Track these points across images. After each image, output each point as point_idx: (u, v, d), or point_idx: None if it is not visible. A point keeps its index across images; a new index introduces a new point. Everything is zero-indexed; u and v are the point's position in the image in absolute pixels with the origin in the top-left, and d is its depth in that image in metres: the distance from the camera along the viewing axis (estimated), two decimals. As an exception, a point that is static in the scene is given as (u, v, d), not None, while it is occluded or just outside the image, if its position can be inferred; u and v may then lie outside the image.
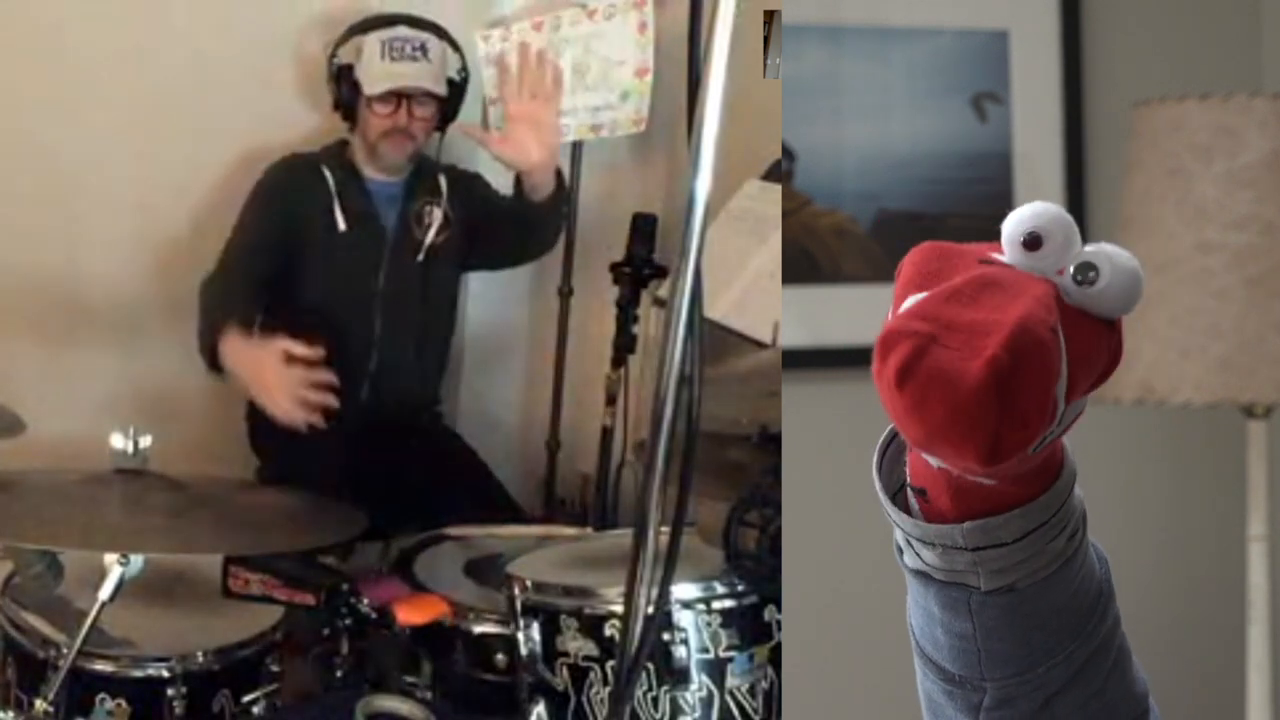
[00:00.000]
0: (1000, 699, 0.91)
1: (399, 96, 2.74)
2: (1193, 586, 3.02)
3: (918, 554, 0.89)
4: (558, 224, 2.92)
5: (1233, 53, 3.04)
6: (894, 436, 0.92)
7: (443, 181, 2.87)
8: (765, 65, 2.45)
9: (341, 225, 2.77)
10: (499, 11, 3.07)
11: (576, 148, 3.08)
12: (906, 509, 0.90)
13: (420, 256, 2.82)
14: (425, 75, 2.77)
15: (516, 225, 2.86)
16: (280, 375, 2.44)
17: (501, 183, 2.90)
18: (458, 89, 2.86)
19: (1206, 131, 2.51)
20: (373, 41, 2.77)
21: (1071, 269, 0.80)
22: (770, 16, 2.44)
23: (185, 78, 2.94)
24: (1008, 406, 0.75)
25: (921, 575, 0.90)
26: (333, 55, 2.80)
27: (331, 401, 2.44)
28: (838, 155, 2.83)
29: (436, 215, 2.84)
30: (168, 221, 3.00)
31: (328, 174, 2.78)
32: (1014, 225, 0.82)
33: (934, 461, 0.83)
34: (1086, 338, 0.80)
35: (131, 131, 2.94)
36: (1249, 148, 2.49)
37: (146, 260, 3.00)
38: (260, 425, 2.75)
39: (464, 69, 2.88)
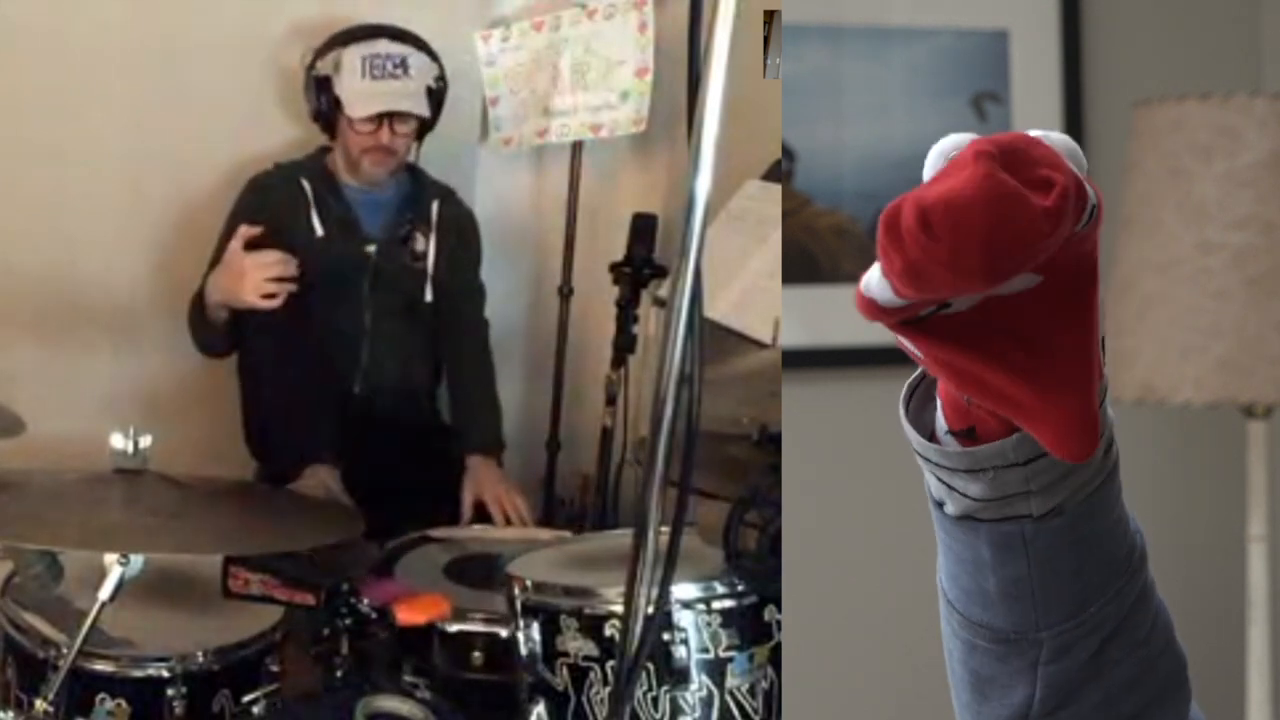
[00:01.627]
0: (1057, 648, 0.91)
1: (381, 116, 2.72)
2: (1193, 586, 3.02)
3: (963, 494, 0.89)
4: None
5: (1233, 53, 3.04)
6: (915, 388, 0.91)
7: (434, 209, 2.85)
8: (765, 65, 2.45)
9: (319, 230, 2.76)
10: (499, 11, 3.08)
11: (576, 148, 3.08)
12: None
13: (407, 272, 2.81)
14: (408, 96, 2.74)
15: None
16: (252, 273, 2.56)
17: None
18: (436, 97, 2.83)
19: (1206, 131, 2.51)
20: (352, 57, 2.73)
21: None
22: (770, 16, 2.44)
23: (184, 79, 2.94)
24: (1022, 179, 0.74)
25: (968, 522, 0.90)
26: (311, 67, 2.77)
27: (292, 273, 2.58)
28: (838, 155, 2.84)
29: (421, 244, 2.82)
30: (168, 222, 3.00)
31: (305, 184, 2.77)
32: (933, 163, 0.80)
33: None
34: None
35: (131, 132, 2.94)
36: (1249, 148, 2.49)
37: (146, 261, 3.00)
38: (256, 424, 2.74)
39: (442, 77, 2.83)
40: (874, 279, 0.78)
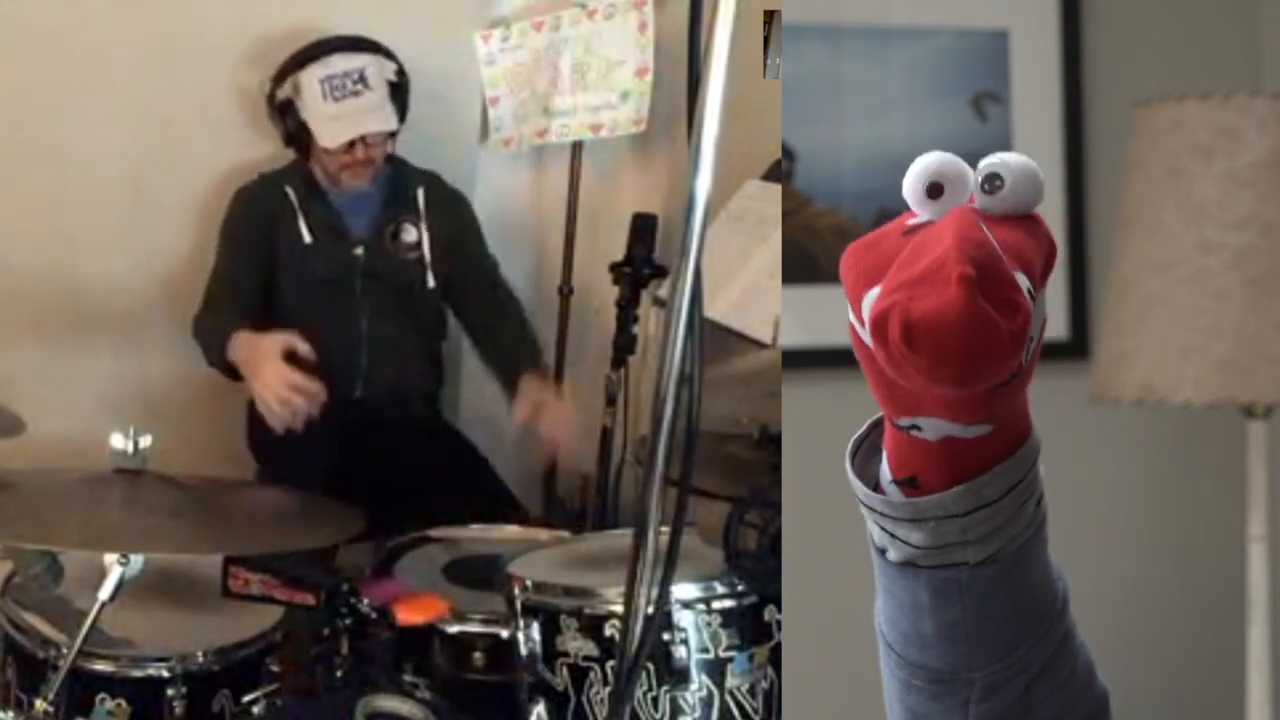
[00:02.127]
0: (988, 688, 0.98)
1: (351, 139, 2.74)
2: (1193, 586, 3.02)
3: (905, 542, 0.95)
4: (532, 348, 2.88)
5: (1233, 53, 3.04)
6: (862, 441, 0.99)
7: (420, 197, 2.85)
8: (765, 65, 2.45)
9: (307, 237, 2.78)
10: (499, 11, 3.08)
11: (576, 148, 3.08)
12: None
13: (401, 265, 2.82)
14: (373, 112, 2.75)
15: (496, 310, 2.87)
16: (276, 370, 2.47)
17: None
18: (400, 90, 2.81)
19: (1206, 131, 2.51)
20: (310, 80, 2.74)
21: (981, 184, 0.90)
22: (770, 16, 2.44)
23: (185, 79, 2.94)
24: (995, 302, 0.83)
25: (909, 568, 0.96)
26: (271, 94, 2.79)
27: (314, 409, 2.46)
28: (838, 155, 2.84)
29: (412, 234, 2.83)
30: (168, 222, 3.00)
31: (290, 192, 2.80)
32: (912, 186, 0.90)
33: (932, 429, 0.91)
34: (1018, 232, 0.89)
35: (132, 132, 2.94)
36: (1249, 148, 2.49)
37: (146, 261, 3.00)
38: (258, 426, 2.74)
39: (401, 71, 2.82)
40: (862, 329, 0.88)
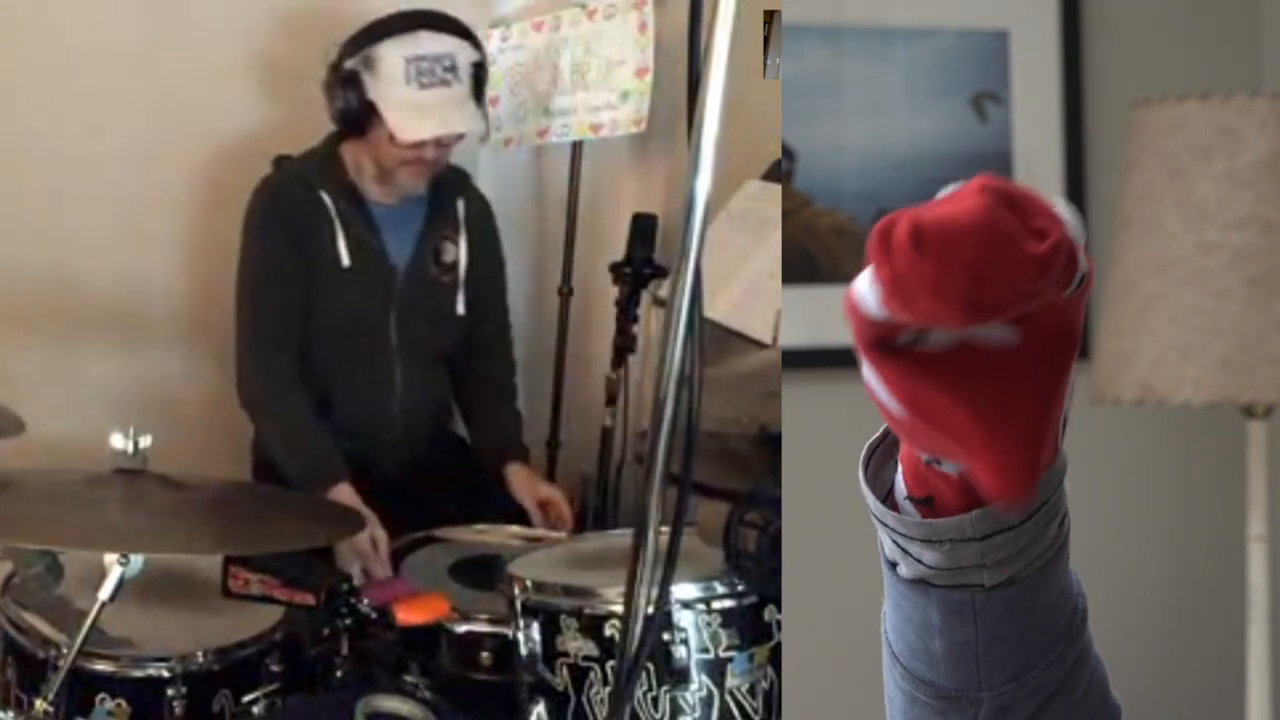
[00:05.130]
0: (998, 708, 0.93)
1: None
2: (1193, 586, 3.02)
3: (917, 560, 0.91)
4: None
5: (1233, 53, 3.04)
6: (873, 452, 0.93)
7: (460, 208, 2.69)
8: (765, 65, 2.45)
9: (345, 260, 2.57)
10: (499, 11, 3.08)
11: (576, 148, 3.08)
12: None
13: (436, 291, 2.67)
14: (461, 109, 2.52)
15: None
16: (361, 545, 2.37)
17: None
18: (480, 84, 2.61)
19: (1206, 131, 2.51)
20: (392, 56, 2.48)
21: None
22: (770, 16, 2.45)
23: (185, 73, 2.94)
24: (1021, 228, 0.74)
25: (920, 585, 0.92)
26: (338, 63, 2.52)
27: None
28: (838, 155, 2.84)
29: (451, 254, 2.67)
30: (169, 221, 3.00)
31: (327, 200, 2.57)
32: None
33: (954, 466, 0.83)
34: None
35: (131, 131, 2.94)
36: (1249, 148, 2.49)
37: (147, 261, 3.00)
38: (264, 469, 2.66)
39: (481, 63, 2.61)
40: (864, 283, 0.78)
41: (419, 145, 2.53)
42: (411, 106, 2.49)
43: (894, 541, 0.91)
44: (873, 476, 0.93)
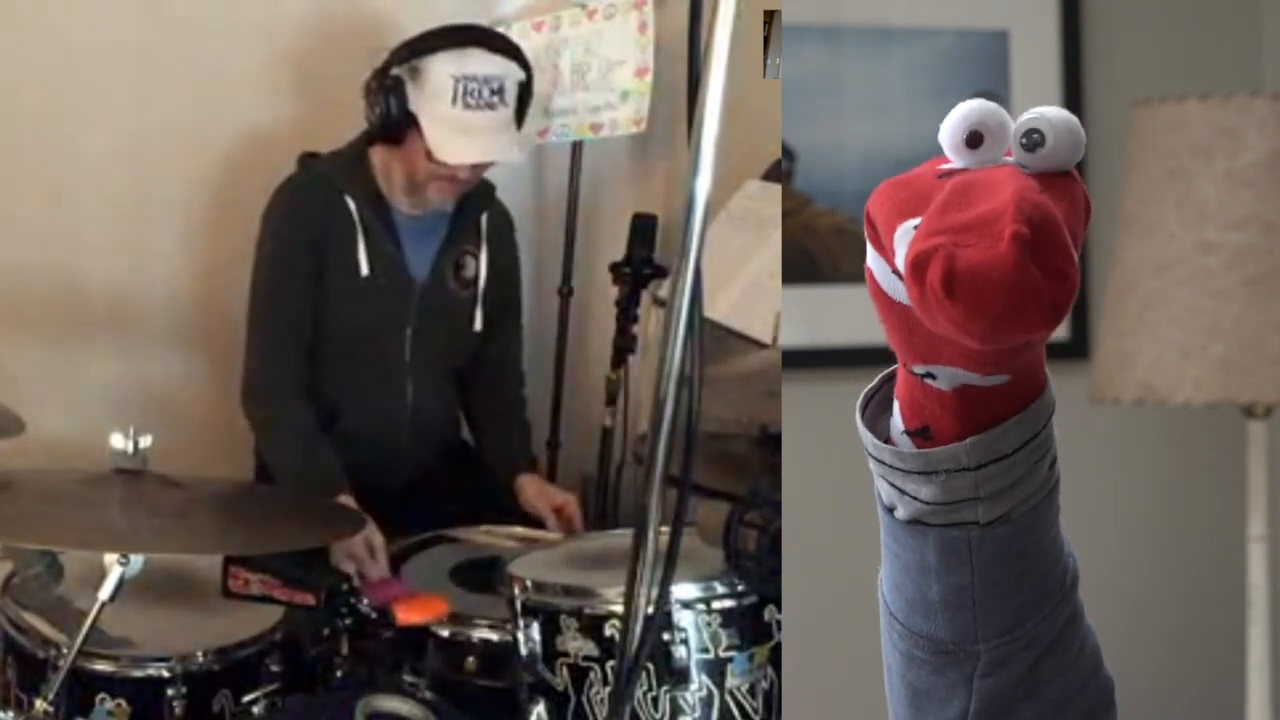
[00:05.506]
0: (993, 661, 0.95)
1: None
2: (1193, 586, 3.02)
3: (914, 498, 0.92)
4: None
5: (1233, 53, 3.04)
6: (872, 396, 0.96)
7: (484, 223, 2.66)
8: (765, 65, 2.45)
9: (364, 269, 2.53)
10: (499, 11, 3.07)
11: (576, 148, 3.08)
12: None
13: (454, 306, 2.64)
14: (503, 137, 2.48)
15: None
16: (359, 549, 2.35)
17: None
18: (523, 106, 2.57)
19: (1206, 131, 2.51)
20: (440, 74, 2.44)
21: (1020, 139, 0.87)
22: (770, 16, 2.44)
23: (184, 74, 2.94)
24: (1044, 268, 0.80)
25: (917, 526, 0.93)
26: (385, 69, 2.47)
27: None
28: (838, 155, 2.84)
29: (471, 269, 2.64)
30: (169, 221, 3.00)
31: (351, 204, 2.52)
32: (951, 132, 0.88)
33: (947, 378, 0.88)
34: (1060, 191, 0.86)
35: (132, 130, 2.93)
36: (1249, 148, 2.50)
37: (147, 260, 3.00)
38: (265, 473, 2.64)
39: (527, 84, 2.57)
40: (883, 270, 0.88)
41: (454, 170, 2.49)
42: (454, 127, 2.45)
43: (890, 482, 0.93)
44: (869, 425, 0.95)
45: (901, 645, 0.98)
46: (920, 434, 0.91)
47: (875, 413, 0.96)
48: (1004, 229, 0.80)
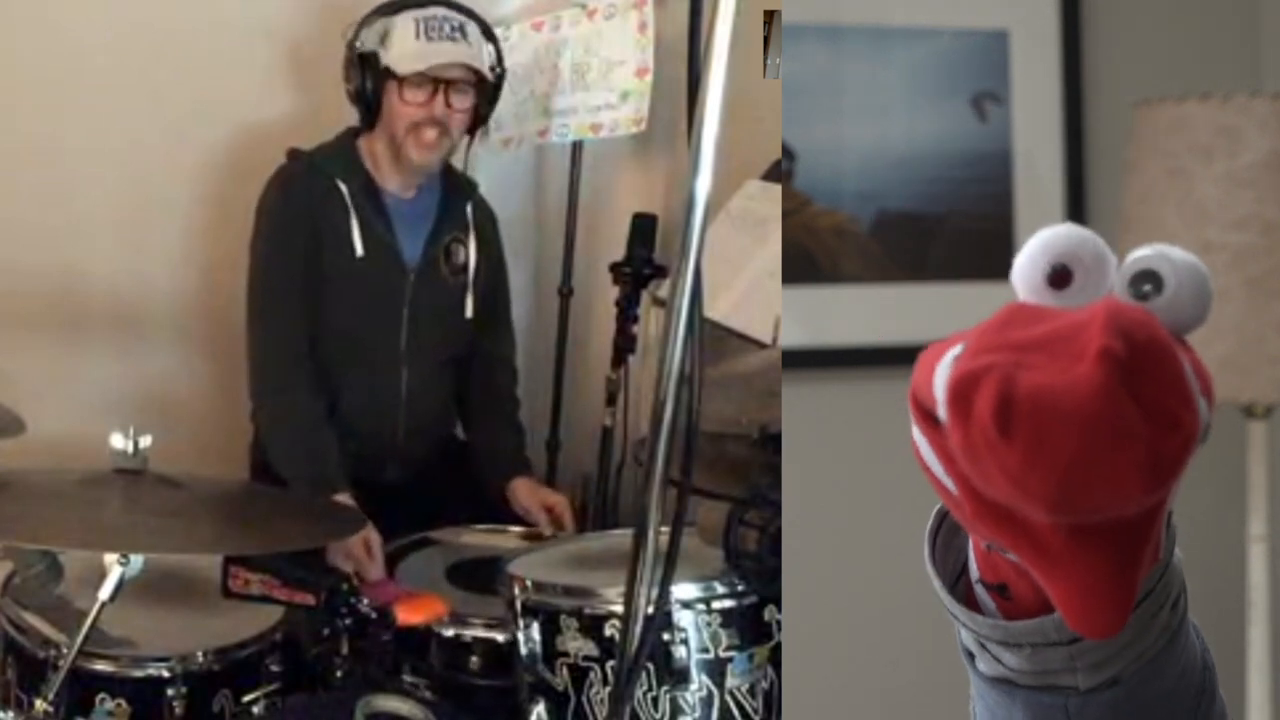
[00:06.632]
0: None
1: (435, 82, 2.52)
2: (1193, 586, 3.01)
3: (996, 658, 0.74)
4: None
5: (1233, 53, 3.04)
6: (942, 520, 0.75)
7: (470, 211, 2.72)
8: (765, 65, 2.45)
9: (359, 250, 2.57)
10: (499, 11, 3.08)
11: (576, 148, 3.08)
12: (969, 604, 0.74)
13: (446, 292, 2.68)
14: (466, 55, 2.56)
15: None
16: (358, 550, 2.36)
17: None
18: (492, 90, 2.66)
19: (1206, 131, 2.51)
20: (405, 21, 2.54)
21: (1128, 281, 0.64)
22: (770, 16, 2.44)
23: (185, 72, 2.94)
24: (1146, 404, 0.56)
25: (1003, 683, 0.75)
26: (354, 41, 2.57)
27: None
28: (838, 155, 2.84)
29: (461, 255, 2.69)
30: (169, 221, 3.00)
31: (343, 189, 2.57)
32: (1029, 266, 0.63)
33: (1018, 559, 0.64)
34: (1182, 348, 0.62)
35: (132, 129, 2.94)
36: (1249, 148, 2.49)
37: (147, 260, 3.00)
38: (262, 471, 2.65)
39: (499, 64, 2.68)
40: (926, 445, 0.62)
41: (426, 95, 2.53)
42: (416, 55, 2.53)
43: (968, 628, 0.75)
44: (943, 550, 0.75)
45: None
46: (999, 590, 0.71)
47: (949, 537, 0.75)
48: (1089, 343, 0.56)
